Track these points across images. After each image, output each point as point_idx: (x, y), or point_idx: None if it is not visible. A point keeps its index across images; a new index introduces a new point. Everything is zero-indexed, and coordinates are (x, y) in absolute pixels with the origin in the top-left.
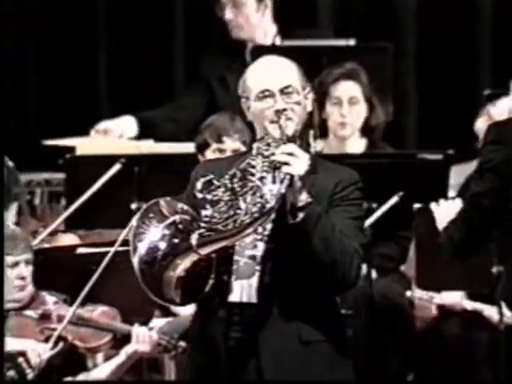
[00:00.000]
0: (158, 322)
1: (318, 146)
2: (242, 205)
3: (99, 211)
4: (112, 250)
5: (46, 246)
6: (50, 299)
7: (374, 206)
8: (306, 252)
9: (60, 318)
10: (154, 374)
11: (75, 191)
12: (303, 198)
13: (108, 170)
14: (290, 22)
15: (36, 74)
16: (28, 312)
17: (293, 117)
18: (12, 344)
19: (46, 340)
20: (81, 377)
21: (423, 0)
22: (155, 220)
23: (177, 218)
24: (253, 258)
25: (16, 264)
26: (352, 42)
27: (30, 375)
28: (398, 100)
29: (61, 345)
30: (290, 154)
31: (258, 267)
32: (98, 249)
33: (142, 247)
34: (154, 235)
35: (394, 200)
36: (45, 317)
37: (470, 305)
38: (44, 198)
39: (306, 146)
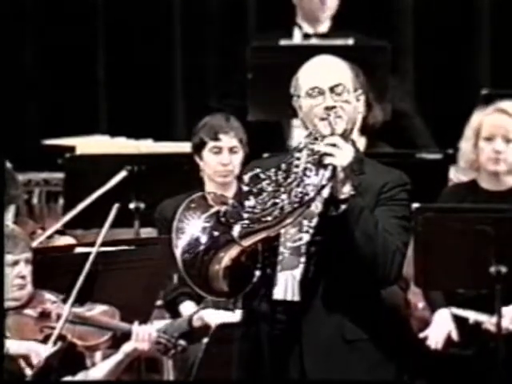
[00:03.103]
0: (157, 324)
1: None
2: (284, 195)
3: (97, 211)
4: (94, 250)
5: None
6: (49, 298)
7: None
8: (347, 245)
9: (59, 317)
10: (152, 374)
11: (74, 191)
12: (346, 190)
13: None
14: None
15: (35, 73)
16: (27, 311)
17: (342, 115)
18: (15, 347)
19: (46, 338)
20: (79, 375)
21: None
22: (199, 212)
23: (221, 208)
24: (297, 249)
25: (16, 263)
26: (350, 42)
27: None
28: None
29: (59, 344)
30: (334, 145)
31: (302, 259)
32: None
33: (185, 241)
34: (195, 228)
35: None
36: (44, 315)
37: (473, 317)
38: (42, 198)
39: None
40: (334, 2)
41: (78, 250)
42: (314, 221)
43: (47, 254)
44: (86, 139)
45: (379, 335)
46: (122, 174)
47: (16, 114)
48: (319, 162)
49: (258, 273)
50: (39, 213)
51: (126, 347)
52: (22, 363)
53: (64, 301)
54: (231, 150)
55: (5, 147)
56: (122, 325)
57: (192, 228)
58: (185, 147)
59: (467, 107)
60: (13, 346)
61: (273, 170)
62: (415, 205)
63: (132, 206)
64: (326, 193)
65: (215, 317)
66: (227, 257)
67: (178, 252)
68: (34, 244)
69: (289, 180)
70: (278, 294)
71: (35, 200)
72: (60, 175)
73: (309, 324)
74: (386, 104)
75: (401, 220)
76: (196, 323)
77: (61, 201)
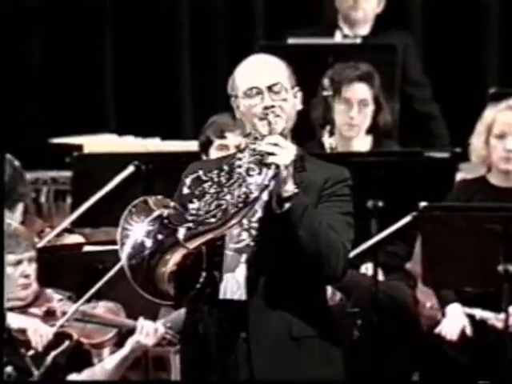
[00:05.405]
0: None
1: (333, 142)
2: (228, 196)
3: (105, 209)
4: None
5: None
6: (54, 296)
7: (380, 204)
8: (291, 243)
9: (65, 315)
10: (160, 372)
11: (82, 189)
12: (289, 188)
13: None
14: (296, 20)
15: (42, 72)
16: (32, 310)
17: (281, 114)
18: (15, 321)
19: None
20: (85, 372)
21: None
22: (142, 216)
23: (163, 211)
24: (239, 250)
25: (19, 262)
26: (358, 41)
27: (30, 353)
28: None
29: (66, 342)
30: (276, 145)
31: (243, 259)
32: (104, 247)
33: (129, 246)
34: (139, 232)
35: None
36: (49, 314)
37: (479, 313)
38: (50, 197)
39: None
40: (369, 3)
41: (86, 248)
42: (255, 220)
43: (54, 253)
44: (93, 138)
45: (327, 332)
46: (130, 169)
47: (24, 113)
48: (261, 162)
49: (203, 274)
50: (47, 211)
51: (131, 340)
52: (23, 351)
53: (70, 298)
54: (237, 148)
55: (12, 146)
56: (127, 321)
57: (136, 232)
58: (192, 146)
59: (475, 106)
60: (14, 321)
61: (215, 171)
62: (422, 203)
63: None
64: (265, 193)
65: None
66: (173, 259)
67: (123, 258)
68: (43, 242)
69: (231, 181)
70: (223, 294)
71: (43, 198)
72: (68, 174)
73: (255, 322)
74: (394, 103)
75: (345, 216)
76: None
77: (69, 199)
